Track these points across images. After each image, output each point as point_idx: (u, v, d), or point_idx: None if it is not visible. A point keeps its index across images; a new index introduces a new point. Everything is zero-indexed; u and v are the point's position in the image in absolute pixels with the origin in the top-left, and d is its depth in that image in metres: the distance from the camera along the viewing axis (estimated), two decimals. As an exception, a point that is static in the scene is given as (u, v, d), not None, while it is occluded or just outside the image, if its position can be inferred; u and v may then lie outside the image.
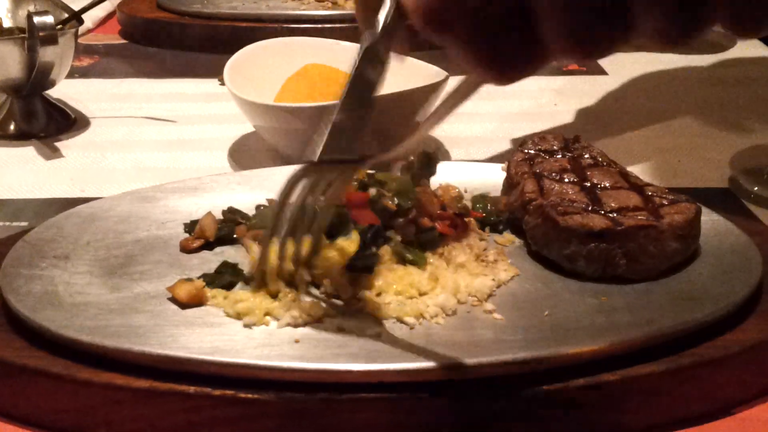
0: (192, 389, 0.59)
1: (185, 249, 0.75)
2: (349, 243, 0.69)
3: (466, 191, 0.82)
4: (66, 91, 1.21)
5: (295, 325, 0.65)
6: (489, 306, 0.67)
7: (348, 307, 0.67)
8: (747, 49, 1.48)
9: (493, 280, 0.70)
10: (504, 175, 0.83)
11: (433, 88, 0.98)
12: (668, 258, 0.71)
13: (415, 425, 0.59)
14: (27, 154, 1.07)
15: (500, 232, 0.79)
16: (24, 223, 0.88)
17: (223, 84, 1.08)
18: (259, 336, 0.64)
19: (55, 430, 0.61)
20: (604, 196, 0.74)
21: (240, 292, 0.68)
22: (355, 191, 0.75)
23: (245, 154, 1.07)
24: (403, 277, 0.69)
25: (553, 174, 0.78)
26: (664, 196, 0.75)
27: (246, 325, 0.65)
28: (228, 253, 0.75)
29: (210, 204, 0.81)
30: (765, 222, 0.87)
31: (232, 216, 0.78)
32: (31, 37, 1.05)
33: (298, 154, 0.97)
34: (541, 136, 0.86)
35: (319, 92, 1.01)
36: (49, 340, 0.63)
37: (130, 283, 0.70)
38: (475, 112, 1.19)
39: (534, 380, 0.59)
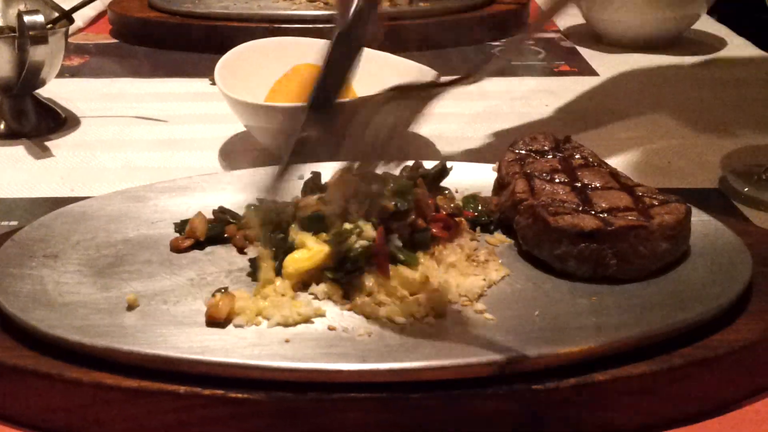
0: (182, 389, 0.59)
1: (175, 248, 0.75)
2: (320, 249, 0.69)
3: (457, 191, 0.82)
4: (56, 90, 1.20)
5: (286, 325, 0.65)
6: (480, 306, 0.67)
7: (339, 306, 0.67)
8: (738, 49, 1.49)
9: (484, 280, 0.70)
10: (495, 175, 0.83)
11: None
12: (658, 258, 0.71)
13: (405, 425, 0.59)
14: (17, 153, 1.07)
15: (491, 233, 0.79)
16: (14, 223, 0.88)
17: (213, 84, 1.08)
18: (250, 336, 0.64)
19: (45, 429, 0.61)
20: (594, 197, 0.75)
21: (238, 291, 0.68)
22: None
23: (236, 154, 1.07)
24: (394, 277, 0.69)
25: (544, 174, 0.78)
26: (655, 196, 0.75)
27: (236, 325, 0.65)
28: (218, 253, 0.75)
29: (200, 204, 0.81)
30: (755, 222, 0.88)
31: (223, 215, 0.78)
32: (21, 36, 1.05)
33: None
34: (532, 136, 0.86)
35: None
36: (38, 339, 0.62)
37: (119, 283, 0.70)
38: (466, 112, 1.19)
39: (525, 380, 0.59)
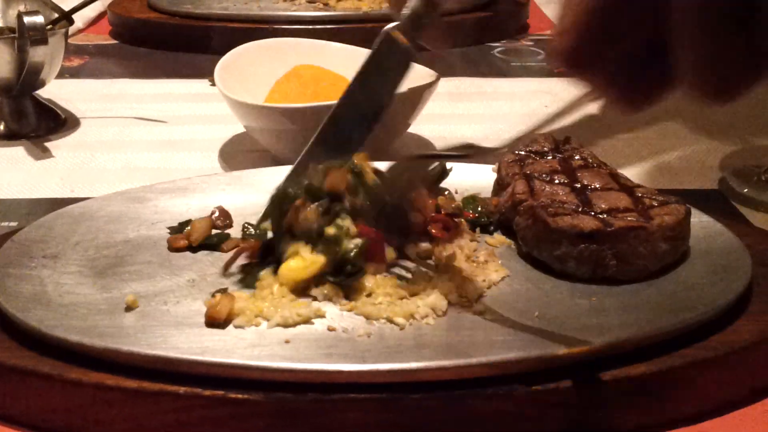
0: (182, 389, 0.59)
1: (171, 247, 0.75)
2: (316, 259, 0.69)
3: (456, 192, 0.82)
4: (56, 91, 1.20)
5: (285, 326, 0.65)
6: (479, 307, 0.67)
7: (338, 307, 0.67)
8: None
9: (484, 281, 0.70)
10: (495, 176, 0.83)
11: (424, 89, 0.98)
12: (658, 259, 0.71)
13: (405, 425, 0.59)
14: (17, 154, 1.07)
15: (491, 233, 0.79)
16: (13, 223, 0.88)
17: (213, 84, 1.08)
18: (250, 336, 0.64)
19: (45, 430, 0.61)
20: (594, 198, 0.75)
21: (238, 292, 0.68)
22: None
23: (235, 155, 1.07)
24: (394, 277, 0.69)
25: (544, 175, 0.78)
26: (654, 197, 0.75)
27: (236, 326, 0.65)
28: (219, 254, 0.75)
29: (200, 204, 0.81)
30: (754, 223, 0.88)
31: (248, 229, 0.77)
32: (21, 37, 1.05)
33: (288, 154, 0.97)
34: (532, 137, 0.86)
35: (310, 93, 1.01)
36: (38, 340, 0.63)
37: (119, 284, 0.70)
38: (465, 113, 1.19)
39: (524, 381, 0.59)
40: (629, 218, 0.72)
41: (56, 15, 1.13)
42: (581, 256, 0.70)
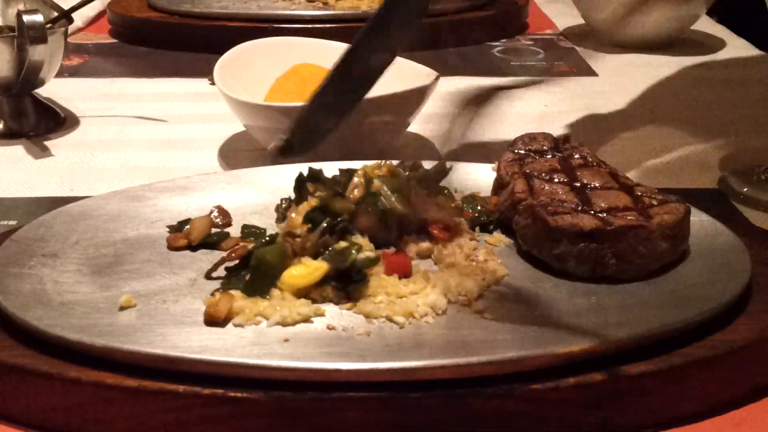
0: (181, 388, 0.59)
1: (171, 246, 0.75)
2: (319, 266, 0.69)
3: (456, 191, 0.82)
4: (55, 90, 1.20)
5: (285, 324, 0.65)
6: (479, 305, 0.67)
7: (338, 306, 0.67)
8: (737, 50, 1.49)
9: (483, 279, 0.70)
10: (494, 175, 0.83)
11: (425, 89, 0.98)
12: (658, 258, 0.71)
13: (405, 424, 0.59)
14: (16, 153, 1.07)
15: (490, 232, 0.79)
16: (13, 222, 0.88)
17: (213, 83, 1.08)
18: (249, 335, 0.64)
19: (44, 429, 0.61)
20: (593, 196, 0.75)
21: (237, 291, 0.68)
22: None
23: (235, 154, 1.07)
24: (394, 276, 0.69)
25: (543, 174, 0.78)
26: (654, 196, 0.75)
27: (236, 324, 0.65)
28: (218, 253, 0.74)
29: (199, 203, 0.81)
30: (754, 222, 0.88)
31: (249, 229, 0.78)
32: (20, 36, 1.05)
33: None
34: (531, 136, 0.86)
35: (309, 92, 1.01)
36: (37, 338, 0.62)
37: (119, 282, 0.70)
38: (465, 112, 1.19)
39: (524, 380, 0.59)
40: (629, 217, 0.71)
41: (56, 14, 1.13)
42: (581, 255, 0.70)
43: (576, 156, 0.82)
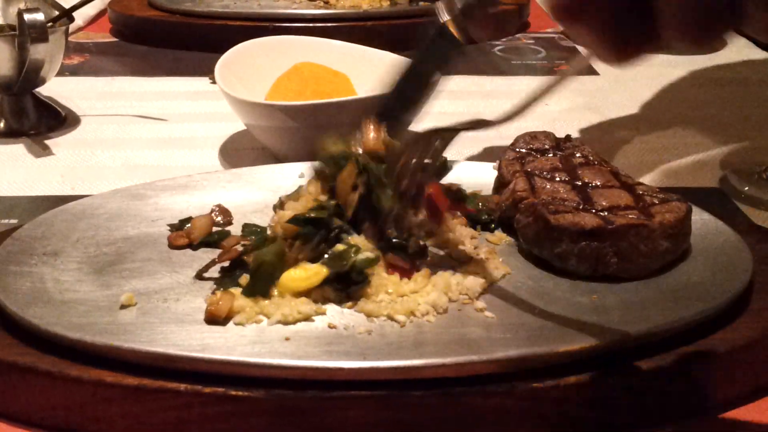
0: (182, 386, 0.59)
1: (172, 245, 0.75)
2: (319, 270, 0.69)
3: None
4: (56, 88, 1.20)
5: (286, 323, 0.65)
6: (480, 304, 0.67)
7: (339, 304, 0.67)
8: (738, 49, 1.49)
9: (485, 278, 0.70)
10: (495, 173, 0.83)
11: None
12: (659, 257, 0.71)
13: (406, 423, 0.59)
14: (17, 151, 1.07)
15: (491, 231, 0.78)
16: (14, 221, 0.88)
17: (214, 82, 1.08)
18: (250, 333, 0.63)
19: (44, 427, 0.61)
20: (595, 195, 0.74)
21: (233, 290, 0.68)
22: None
23: (236, 152, 1.07)
24: (395, 275, 0.69)
25: (545, 173, 0.78)
26: (655, 195, 0.75)
27: (237, 323, 0.64)
28: (218, 251, 0.74)
29: (200, 202, 0.81)
30: (755, 221, 0.88)
31: (248, 228, 0.77)
32: (21, 35, 1.04)
33: (288, 151, 0.97)
34: (533, 134, 0.86)
35: (310, 91, 1.01)
36: (38, 337, 0.62)
37: (119, 281, 0.70)
38: (465, 111, 1.19)
39: (525, 378, 0.59)
40: (630, 216, 0.71)
41: (56, 13, 1.13)
42: (582, 254, 0.70)
43: (577, 155, 0.82)
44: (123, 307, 0.66)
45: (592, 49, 0.52)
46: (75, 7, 1.13)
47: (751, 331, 0.64)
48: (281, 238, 0.70)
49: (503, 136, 0.90)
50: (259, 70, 1.07)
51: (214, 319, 0.64)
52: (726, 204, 0.93)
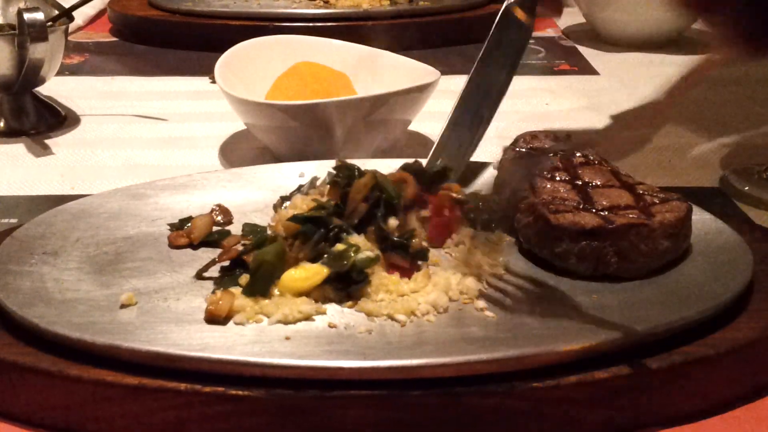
0: (182, 386, 0.59)
1: (172, 244, 0.75)
2: (319, 270, 0.69)
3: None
4: (56, 88, 1.20)
5: (286, 322, 0.64)
6: (480, 304, 0.67)
7: (339, 304, 0.67)
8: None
9: (485, 278, 0.70)
10: (495, 173, 0.83)
11: (426, 87, 0.98)
12: (659, 256, 0.71)
13: (406, 422, 0.59)
14: (17, 151, 1.07)
15: (492, 231, 0.78)
16: (14, 220, 0.88)
17: (214, 82, 1.08)
18: (250, 333, 0.63)
19: (43, 426, 0.61)
20: (595, 195, 0.74)
21: (233, 289, 0.67)
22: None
23: (236, 152, 1.07)
24: (396, 274, 0.69)
25: (545, 172, 0.78)
26: (656, 194, 0.75)
27: (237, 322, 0.64)
28: (218, 250, 0.74)
29: (200, 201, 0.81)
30: (756, 221, 0.88)
31: (249, 227, 0.77)
32: (21, 34, 1.05)
33: (288, 151, 0.97)
34: (533, 134, 0.85)
35: (310, 90, 1.01)
36: (38, 336, 0.62)
37: (119, 280, 0.70)
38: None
39: (525, 378, 0.59)
40: (630, 215, 0.71)
41: (56, 12, 1.13)
42: (582, 254, 0.70)
43: (577, 154, 0.82)
44: (123, 306, 0.66)
45: (724, 41, 0.51)
46: (75, 7, 1.13)
47: (751, 331, 0.64)
48: (282, 237, 0.70)
49: (503, 136, 0.90)
50: (259, 70, 1.07)
51: (215, 318, 0.64)
52: (726, 204, 0.93)
